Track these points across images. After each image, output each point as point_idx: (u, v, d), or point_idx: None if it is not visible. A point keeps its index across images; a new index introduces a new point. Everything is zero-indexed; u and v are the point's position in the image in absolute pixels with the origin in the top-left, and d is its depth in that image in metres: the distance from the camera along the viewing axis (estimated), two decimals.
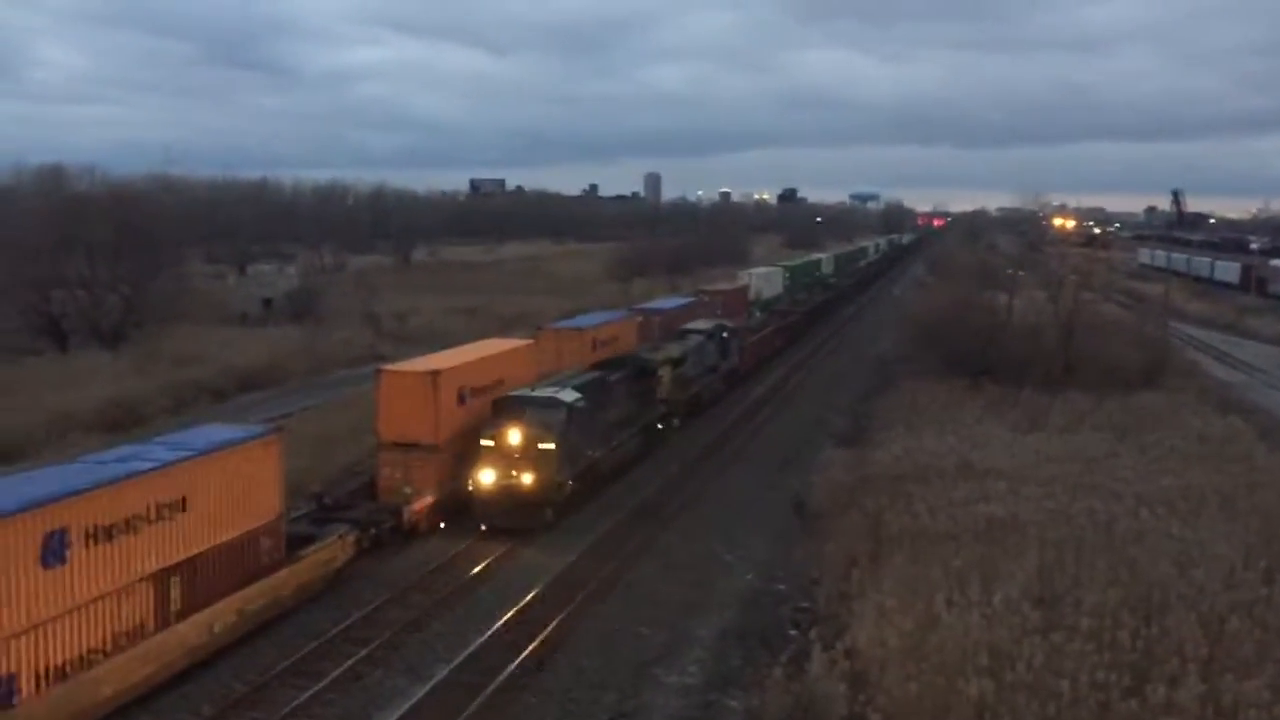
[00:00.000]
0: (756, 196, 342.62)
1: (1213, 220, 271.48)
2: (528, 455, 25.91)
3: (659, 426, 35.76)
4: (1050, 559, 20.92)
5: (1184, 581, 19.56)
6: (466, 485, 26.45)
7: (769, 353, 56.40)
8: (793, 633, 20.30)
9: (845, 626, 19.17)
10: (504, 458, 25.97)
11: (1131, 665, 16.32)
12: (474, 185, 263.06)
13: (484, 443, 26.25)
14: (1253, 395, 47.52)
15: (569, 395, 27.64)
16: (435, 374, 27.28)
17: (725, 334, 45.27)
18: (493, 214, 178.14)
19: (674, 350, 38.91)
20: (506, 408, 27.01)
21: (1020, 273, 63.44)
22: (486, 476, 25.99)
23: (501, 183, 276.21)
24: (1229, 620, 17.85)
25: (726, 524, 27.84)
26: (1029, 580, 19.79)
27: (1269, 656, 16.69)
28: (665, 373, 36.45)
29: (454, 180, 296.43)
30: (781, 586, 23.46)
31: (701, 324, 45.04)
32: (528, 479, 25.86)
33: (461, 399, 28.18)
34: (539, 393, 27.83)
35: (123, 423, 36.85)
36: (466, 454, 26.75)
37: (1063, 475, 27.86)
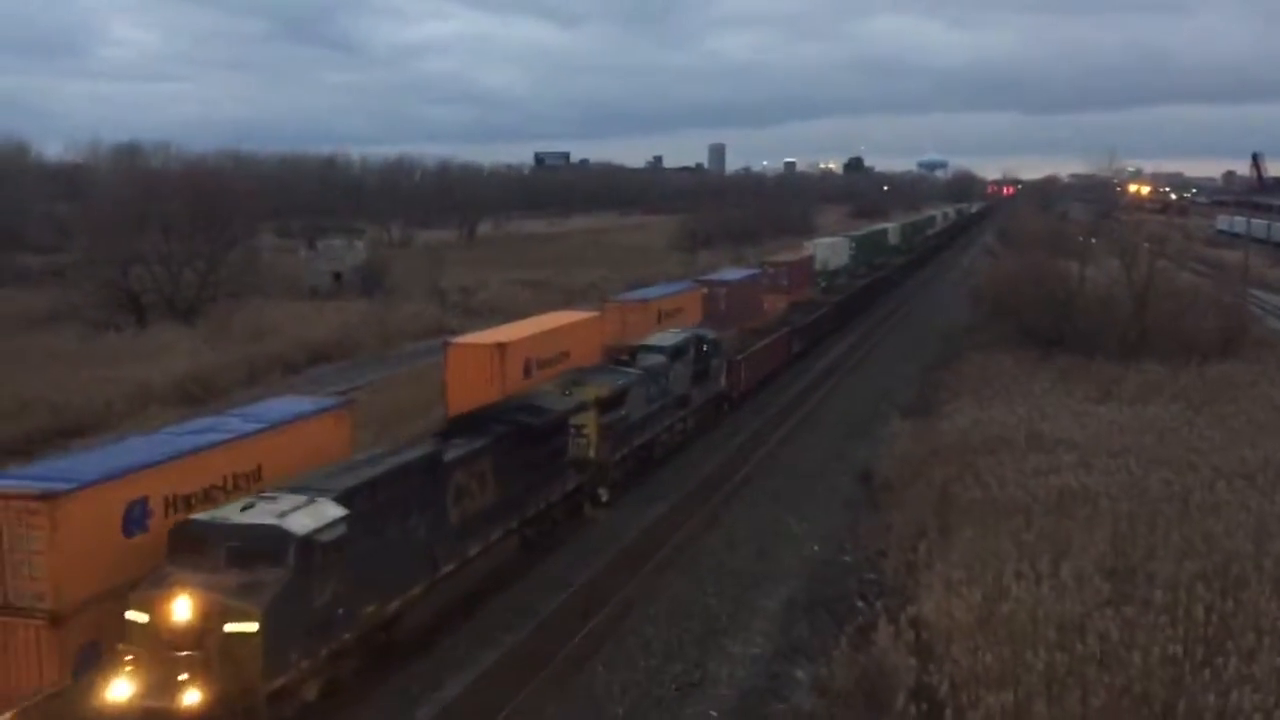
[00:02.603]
0: (822, 166, 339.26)
1: None
2: (203, 646, 14.15)
3: (583, 502, 25.45)
4: (1123, 531, 20.64)
5: (1261, 554, 19.19)
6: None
7: (800, 351, 47.40)
8: (859, 604, 20.27)
9: (913, 598, 19.10)
10: (159, 651, 14.11)
11: (1206, 639, 16.08)
12: (538, 158, 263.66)
13: (131, 617, 14.54)
14: None
15: (310, 519, 15.39)
16: (502, 346, 27.55)
17: (705, 347, 33.62)
18: (557, 187, 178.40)
19: (601, 386, 26.68)
20: (185, 545, 15.09)
21: (1093, 240, 62.22)
22: (120, 690, 14.03)
23: (566, 155, 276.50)
24: None
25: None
26: (1101, 553, 19.55)
27: None
28: (586, 421, 25.00)
29: (519, 153, 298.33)
30: (848, 558, 23.42)
31: (665, 337, 32.71)
32: (192, 698, 13.89)
33: (528, 371, 28.43)
34: (252, 516, 15.38)
35: (199, 395, 37.71)
36: None
37: (1136, 446, 27.37)
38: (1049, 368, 39.39)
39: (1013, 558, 19.38)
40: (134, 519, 16.05)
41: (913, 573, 20.54)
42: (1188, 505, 22.30)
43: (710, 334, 35.40)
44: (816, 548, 24.10)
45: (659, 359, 30.61)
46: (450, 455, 19.62)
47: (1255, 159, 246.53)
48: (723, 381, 35.67)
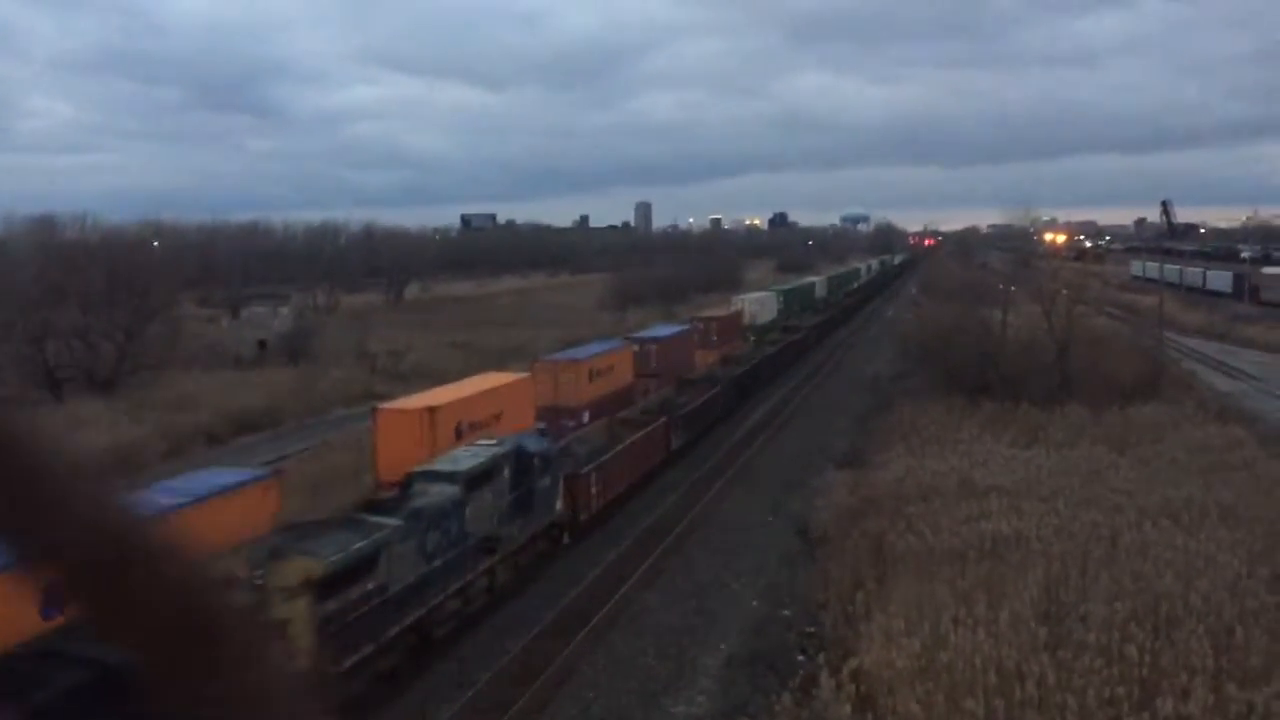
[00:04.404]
0: (748, 222, 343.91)
1: (1203, 230, 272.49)
2: None
3: None
4: (1056, 574, 20.86)
5: (1190, 593, 19.49)
6: None
7: (709, 421, 42.31)
8: (800, 658, 20.19)
9: (853, 649, 19.06)
10: None
11: (1140, 680, 16.25)
12: (465, 220, 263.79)
13: None
14: (1251, 403, 47.47)
15: None
16: (432, 410, 27.28)
17: (532, 462, 24.95)
18: (485, 248, 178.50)
19: (322, 554, 17.22)
20: None
21: (1013, 289, 63.54)
22: None
23: (493, 217, 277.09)
24: (1236, 630, 17.78)
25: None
26: (1035, 597, 19.71)
27: (1278, 665, 16.61)
28: (292, 615, 15.89)
29: (447, 216, 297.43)
30: (787, 612, 23.36)
31: (462, 457, 23.50)
32: None
33: (459, 434, 28.15)
34: None
35: (119, 470, 36.66)
36: None
37: (1064, 489, 27.79)
38: (977, 414, 39.94)
39: (950, 605, 19.48)
40: (55, 601, 15.44)
41: (852, 624, 20.53)
42: (1116, 546, 22.64)
43: (537, 444, 26.04)
44: (755, 603, 24.02)
45: (446, 492, 21.53)
46: None
47: (1165, 206, 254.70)
48: (558, 506, 26.68)
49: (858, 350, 74.21)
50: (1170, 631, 17.88)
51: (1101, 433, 36.16)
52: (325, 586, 16.82)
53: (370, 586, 18.02)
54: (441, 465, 22.88)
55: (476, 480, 22.50)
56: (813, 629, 21.73)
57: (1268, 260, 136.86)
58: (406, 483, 22.01)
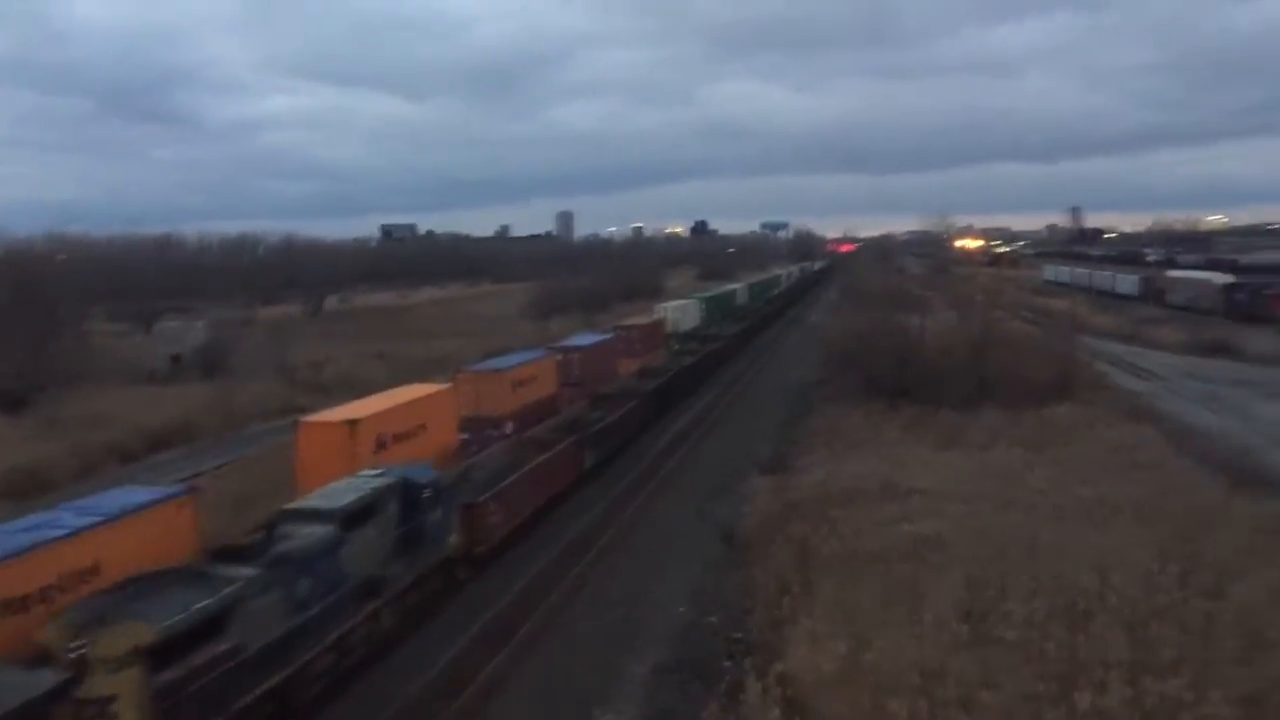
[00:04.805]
0: (669, 230, 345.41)
1: (1111, 235, 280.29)
2: None
3: None
4: (976, 574, 21.22)
5: (1105, 589, 19.98)
6: None
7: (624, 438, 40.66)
8: (727, 664, 20.24)
9: (779, 654, 19.18)
10: None
11: (1059, 675, 16.59)
12: (385, 231, 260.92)
13: None
14: (1159, 403, 48.83)
15: None
16: (353, 423, 26.91)
17: (421, 493, 23.05)
18: (405, 259, 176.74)
19: (156, 619, 15.03)
20: None
21: (930, 294, 64.64)
22: None
23: (413, 227, 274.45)
24: (1149, 624, 18.27)
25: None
26: (957, 597, 20.03)
27: (1189, 657, 17.08)
28: (118, 690, 14.12)
29: (366, 226, 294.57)
30: (714, 619, 23.42)
31: (338, 492, 21.52)
32: None
33: (381, 446, 27.80)
34: None
35: (28, 490, 35.64)
36: None
37: (983, 491, 28.30)
38: (897, 418, 40.51)
39: (874, 607, 19.72)
40: None
41: (778, 629, 20.66)
42: (1034, 545, 23.10)
43: (425, 474, 23.89)
44: (682, 609, 24.05)
45: (317, 533, 19.38)
46: None
47: (1074, 212, 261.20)
48: (452, 540, 24.68)
49: (781, 356, 74.83)
50: (1087, 627, 18.31)
51: (1019, 434, 36.91)
52: (160, 654, 14.71)
53: (221, 649, 15.84)
54: (314, 502, 20.91)
55: (355, 517, 20.54)
56: (739, 635, 21.82)
57: (1172, 264, 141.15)
58: (271, 524, 19.96)
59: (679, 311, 74.29)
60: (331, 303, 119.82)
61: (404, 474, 23.07)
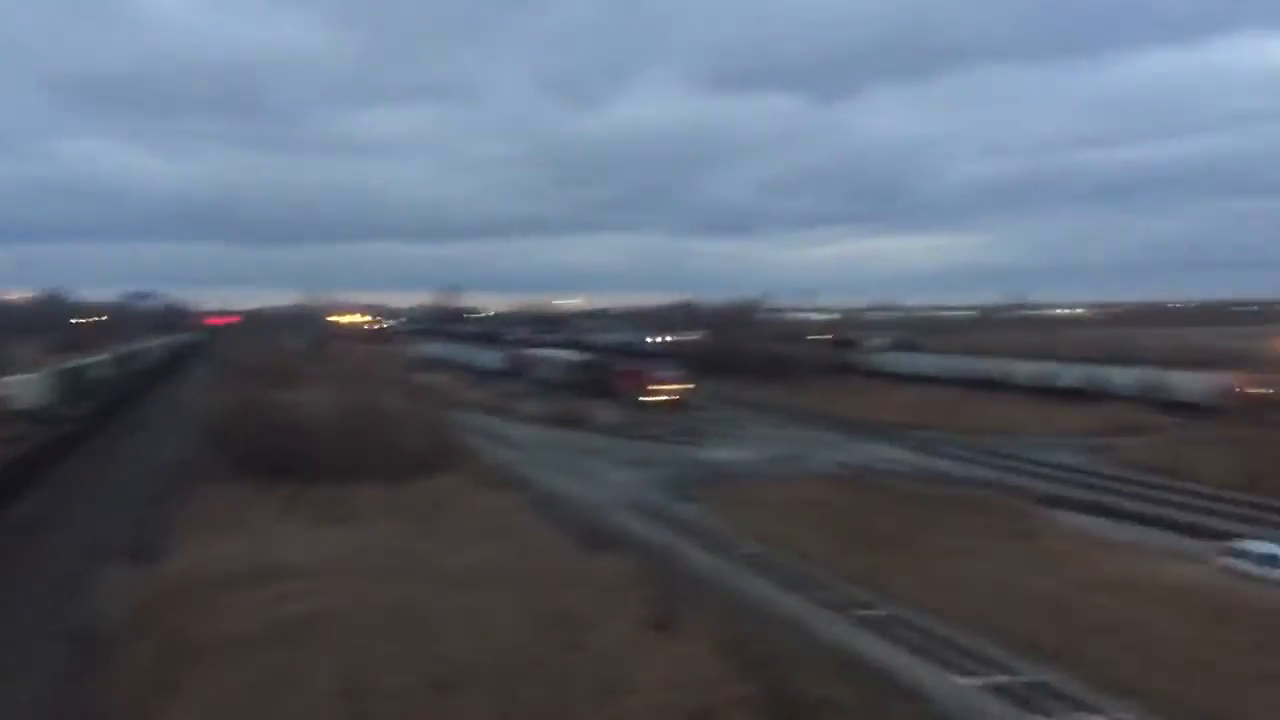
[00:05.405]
0: (12, 296, 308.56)
1: (481, 314, 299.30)
2: None
3: None
4: (358, 648, 21.18)
5: (480, 651, 20.94)
6: None
7: None
8: None
9: None
10: None
11: None
12: None
13: None
14: (523, 471, 52.69)
15: None
16: None
17: None
18: None
19: None
20: None
21: (309, 368, 64.31)
22: None
23: None
24: (518, 685, 19.43)
25: None
26: (336, 673, 19.83)
27: (552, 709, 18.41)
28: None
29: None
30: None
31: None
32: None
33: None
34: None
35: None
36: None
37: (365, 565, 28.46)
38: (275, 496, 39.53)
39: (247, 699, 18.89)
40: None
41: None
42: (415, 615, 23.63)
43: None
44: None
45: None
46: None
47: (448, 291, 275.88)
48: None
49: (152, 433, 69.75)
50: (459, 692, 19.03)
51: (398, 506, 37.74)
52: None
53: None
54: None
55: None
56: None
57: (535, 342, 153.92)
58: None
59: (25, 387, 66.43)
60: None
61: None
